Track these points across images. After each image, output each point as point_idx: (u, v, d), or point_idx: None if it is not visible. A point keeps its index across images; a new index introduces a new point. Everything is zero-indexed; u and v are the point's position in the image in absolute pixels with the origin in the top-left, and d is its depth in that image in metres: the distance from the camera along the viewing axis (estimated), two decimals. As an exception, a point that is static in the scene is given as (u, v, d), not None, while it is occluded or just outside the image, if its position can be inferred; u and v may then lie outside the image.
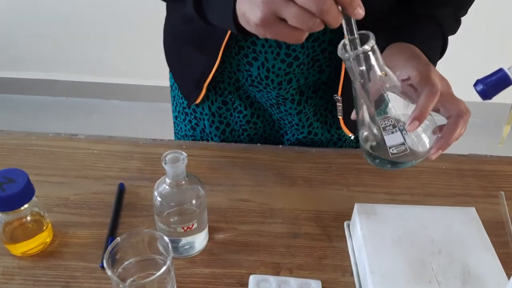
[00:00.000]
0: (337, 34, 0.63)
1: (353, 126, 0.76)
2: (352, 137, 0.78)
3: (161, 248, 0.53)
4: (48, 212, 0.61)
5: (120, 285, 0.48)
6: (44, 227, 0.59)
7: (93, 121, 2.14)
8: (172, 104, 0.87)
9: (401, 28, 0.64)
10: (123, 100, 2.24)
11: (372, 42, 0.47)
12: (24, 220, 0.57)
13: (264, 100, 0.77)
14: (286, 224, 0.65)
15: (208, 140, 0.83)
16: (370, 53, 0.48)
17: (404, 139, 0.50)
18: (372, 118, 0.50)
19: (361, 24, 0.46)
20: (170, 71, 0.84)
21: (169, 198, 0.56)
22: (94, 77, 2.20)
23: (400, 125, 0.50)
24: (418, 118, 0.49)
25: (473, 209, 0.62)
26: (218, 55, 0.68)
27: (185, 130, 0.85)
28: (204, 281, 0.57)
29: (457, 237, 0.58)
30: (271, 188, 0.70)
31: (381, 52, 0.62)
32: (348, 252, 0.62)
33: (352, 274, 0.59)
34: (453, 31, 0.68)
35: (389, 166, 0.54)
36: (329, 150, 0.78)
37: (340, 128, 0.77)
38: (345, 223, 0.65)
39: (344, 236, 0.64)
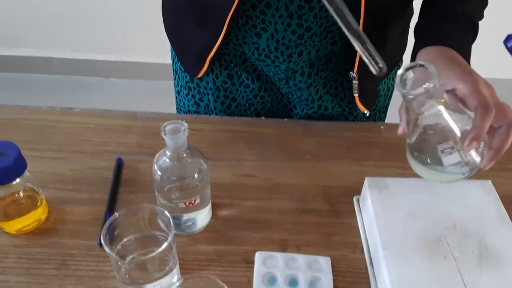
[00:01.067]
0: (354, 2, 0.59)
1: (369, 102, 0.73)
2: (368, 114, 0.75)
3: (162, 224, 0.50)
4: (42, 188, 0.58)
5: (119, 262, 0.45)
6: (39, 204, 0.56)
7: (92, 100, 2.09)
8: (174, 78, 0.83)
9: (431, 29, 0.63)
10: (122, 78, 2.19)
11: (435, 80, 0.47)
12: (16, 196, 0.54)
13: (272, 74, 0.73)
14: (293, 200, 0.62)
15: (214, 115, 0.80)
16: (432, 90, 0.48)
17: (461, 157, 0.50)
18: (430, 143, 0.52)
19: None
20: (171, 44, 0.80)
21: (170, 172, 0.53)
22: (92, 54, 2.15)
23: (458, 146, 0.50)
24: (476, 138, 0.49)
25: (489, 182, 0.59)
26: (223, 28, 0.64)
27: (188, 106, 0.81)
28: (208, 258, 0.55)
29: (473, 211, 0.55)
30: (277, 163, 0.67)
31: (415, 54, 0.62)
32: (358, 228, 0.59)
33: (362, 251, 0.56)
34: (482, 15, 0.67)
35: (442, 180, 0.54)
36: (337, 123, 0.75)
37: (352, 102, 0.73)
38: (355, 198, 0.62)
39: (354, 212, 0.61)
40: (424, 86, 0.47)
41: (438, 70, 0.54)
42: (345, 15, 0.47)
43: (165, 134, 0.49)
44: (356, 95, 0.71)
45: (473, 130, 0.50)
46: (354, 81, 0.69)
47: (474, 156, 0.51)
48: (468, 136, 0.49)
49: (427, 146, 0.52)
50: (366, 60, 0.49)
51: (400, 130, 0.55)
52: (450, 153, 0.50)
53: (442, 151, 0.50)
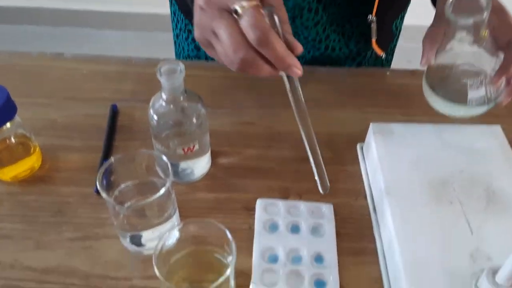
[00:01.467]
0: None
1: (384, 43, 0.70)
2: (383, 56, 0.72)
3: (159, 171, 0.48)
4: (35, 136, 0.56)
5: (116, 208, 0.44)
6: (32, 150, 0.54)
7: (84, 52, 2.03)
8: (172, 21, 0.79)
9: None
10: (116, 30, 2.12)
11: (488, 10, 0.46)
12: (8, 142, 0.52)
13: None
14: (294, 148, 0.60)
15: (214, 61, 0.76)
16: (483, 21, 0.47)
17: (486, 92, 0.50)
18: (458, 75, 0.51)
19: None
20: None
21: (167, 117, 0.50)
22: (83, 4, 2.07)
23: (486, 81, 0.50)
24: (507, 73, 0.49)
25: (499, 127, 0.57)
26: None
27: (188, 51, 0.77)
28: (207, 206, 0.53)
29: (481, 156, 0.54)
30: (278, 111, 0.65)
31: None
32: (361, 175, 0.57)
33: (365, 197, 0.55)
34: None
35: (456, 114, 0.54)
36: (340, 69, 0.72)
37: (360, 41, 0.70)
38: (358, 146, 0.61)
39: (357, 159, 0.59)
40: (478, 16, 0.46)
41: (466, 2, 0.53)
42: (309, 125, 0.46)
43: (160, 75, 0.47)
44: (374, 39, 0.68)
45: (504, 65, 0.49)
46: (372, 25, 0.66)
47: (496, 91, 0.50)
48: (498, 71, 0.48)
49: (454, 78, 0.51)
50: (316, 177, 0.47)
51: (423, 61, 0.53)
52: (477, 88, 0.49)
53: (471, 85, 0.49)
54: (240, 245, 0.49)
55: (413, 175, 0.52)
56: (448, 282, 0.42)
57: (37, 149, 0.55)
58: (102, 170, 0.44)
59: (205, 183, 0.56)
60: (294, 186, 0.56)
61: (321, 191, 0.49)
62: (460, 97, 0.51)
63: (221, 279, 0.38)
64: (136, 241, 0.48)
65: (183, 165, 0.54)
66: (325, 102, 0.66)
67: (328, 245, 0.49)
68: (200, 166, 0.56)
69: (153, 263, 0.39)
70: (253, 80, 0.69)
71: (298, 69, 0.40)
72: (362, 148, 0.60)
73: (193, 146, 0.52)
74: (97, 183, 0.44)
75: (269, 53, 0.39)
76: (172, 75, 0.47)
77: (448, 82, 0.52)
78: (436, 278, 0.42)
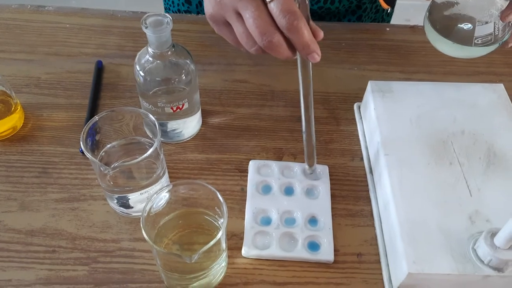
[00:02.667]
0: None
1: None
2: (389, 10, 0.69)
3: (147, 130, 0.46)
4: (16, 93, 0.53)
5: (102, 168, 0.42)
6: (13, 109, 0.51)
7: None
8: None
9: None
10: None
11: None
12: (-14, 99, 0.50)
13: None
14: (289, 107, 0.58)
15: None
16: None
17: (494, 29, 0.46)
18: (465, 10, 0.48)
19: None
20: None
21: (154, 73, 0.47)
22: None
23: (494, 17, 0.46)
24: None
25: (501, 85, 0.55)
26: None
27: (178, 5, 0.73)
28: (198, 167, 0.52)
29: (483, 116, 0.52)
30: (271, 68, 0.62)
31: None
32: (357, 135, 0.56)
33: (361, 159, 0.53)
34: None
35: (464, 53, 0.51)
36: (337, 24, 0.68)
37: None
38: (355, 105, 0.58)
39: (354, 119, 0.57)
40: None
41: None
42: (310, 106, 0.46)
43: (146, 27, 0.43)
44: None
45: None
46: None
47: (503, 29, 0.48)
48: (509, 4, 0.46)
49: (459, 14, 0.48)
50: (306, 154, 0.49)
51: None
52: (485, 24, 0.46)
53: (479, 21, 0.46)
54: (232, 207, 0.48)
55: (413, 136, 0.50)
56: (446, 244, 0.41)
57: (19, 107, 0.53)
58: (86, 128, 0.42)
59: (195, 143, 0.54)
60: (288, 147, 0.54)
61: (307, 165, 0.50)
62: (464, 36, 0.48)
63: (212, 242, 0.36)
64: (124, 203, 0.46)
65: (172, 124, 0.52)
66: (322, 59, 0.62)
67: (323, 207, 0.48)
68: (190, 125, 0.54)
69: (141, 225, 0.37)
70: (246, 36, 0.66)
71: (318, 56, 0.40)
72: (359, 108, 0.58)
73: (182, 105, 0.50)
74: (81, 142, 0.41)
75: (297, 38, 0.38)
76: (159, 27, 0.43)
77: (453, 19, 0.48)
78: (433, 240, 0.41)
